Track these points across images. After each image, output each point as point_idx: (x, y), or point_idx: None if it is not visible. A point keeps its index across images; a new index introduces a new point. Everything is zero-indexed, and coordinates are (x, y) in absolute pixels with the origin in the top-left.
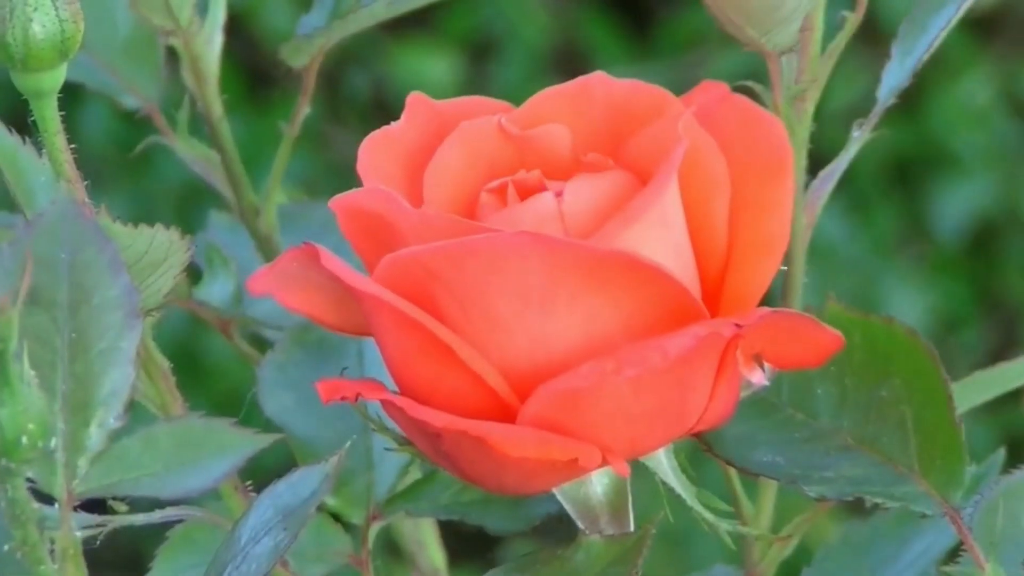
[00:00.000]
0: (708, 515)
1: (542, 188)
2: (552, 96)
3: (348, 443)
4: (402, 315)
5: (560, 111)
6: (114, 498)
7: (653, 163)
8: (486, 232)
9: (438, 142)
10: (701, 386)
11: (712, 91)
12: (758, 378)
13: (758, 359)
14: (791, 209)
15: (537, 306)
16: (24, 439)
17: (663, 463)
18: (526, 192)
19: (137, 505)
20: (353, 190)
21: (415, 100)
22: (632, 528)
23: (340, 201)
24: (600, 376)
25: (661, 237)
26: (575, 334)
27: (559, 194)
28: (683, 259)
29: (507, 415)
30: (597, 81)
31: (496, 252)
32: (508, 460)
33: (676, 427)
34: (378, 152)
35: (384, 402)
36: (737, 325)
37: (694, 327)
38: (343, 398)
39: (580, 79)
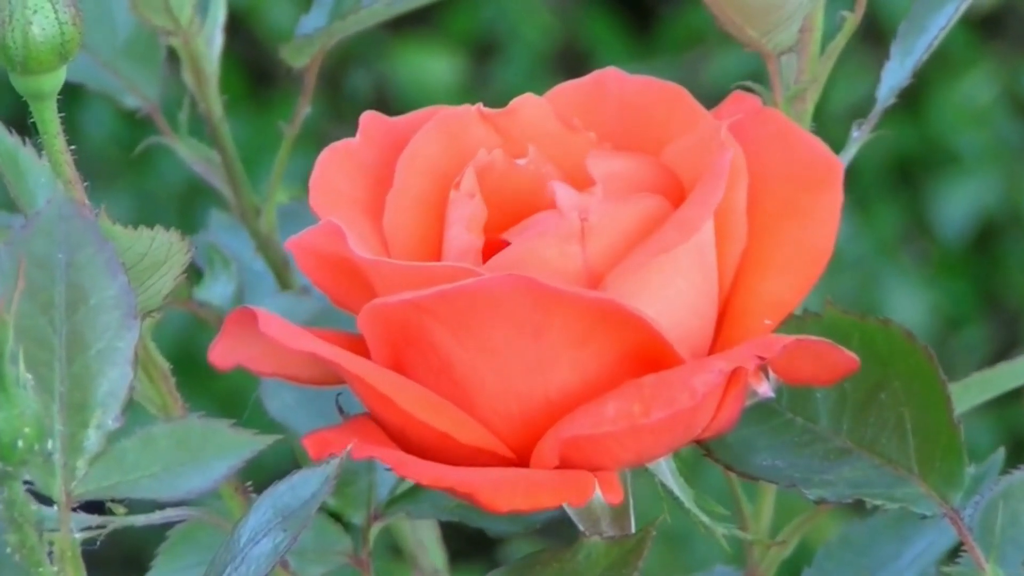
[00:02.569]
0: (705, 519)
1: (512, 168)
2: (565, 91)
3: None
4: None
5: (574, 106)
6: (112, 500)
7: (689, 179)
8: (472, 276)
9: (395, 157)
10: (710, 403)
11: (743, 104)
12: (764, 390)
13: (765, 371)
14: (837, 221)
15: (531, 336)
16: (20, 442)
17: (663, 466)
18: (490, 178)
19: (137, 505)
20: (308, 228)
21: (368, 118)
22: (633, 529)
23: (297, 242)
24: (628, 420)
25: (691, 264)
26: (570, 363)
27: (584, 219)
28: (707, 280)
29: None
30: (610, 76)
31: (488, 295)
32: None
33: (682, 439)
34: (332, 169)
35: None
36: (760, 357)
37: (718, 361)
38: (332, 455)
39: (593, 74)
